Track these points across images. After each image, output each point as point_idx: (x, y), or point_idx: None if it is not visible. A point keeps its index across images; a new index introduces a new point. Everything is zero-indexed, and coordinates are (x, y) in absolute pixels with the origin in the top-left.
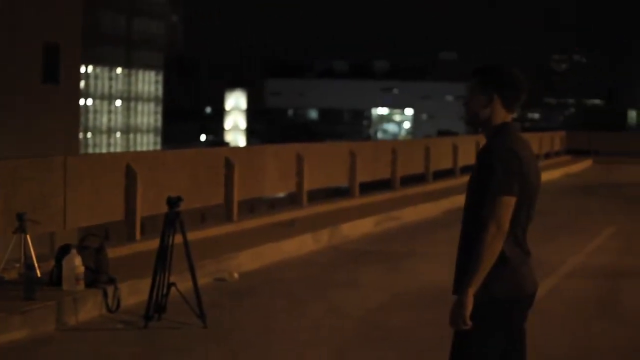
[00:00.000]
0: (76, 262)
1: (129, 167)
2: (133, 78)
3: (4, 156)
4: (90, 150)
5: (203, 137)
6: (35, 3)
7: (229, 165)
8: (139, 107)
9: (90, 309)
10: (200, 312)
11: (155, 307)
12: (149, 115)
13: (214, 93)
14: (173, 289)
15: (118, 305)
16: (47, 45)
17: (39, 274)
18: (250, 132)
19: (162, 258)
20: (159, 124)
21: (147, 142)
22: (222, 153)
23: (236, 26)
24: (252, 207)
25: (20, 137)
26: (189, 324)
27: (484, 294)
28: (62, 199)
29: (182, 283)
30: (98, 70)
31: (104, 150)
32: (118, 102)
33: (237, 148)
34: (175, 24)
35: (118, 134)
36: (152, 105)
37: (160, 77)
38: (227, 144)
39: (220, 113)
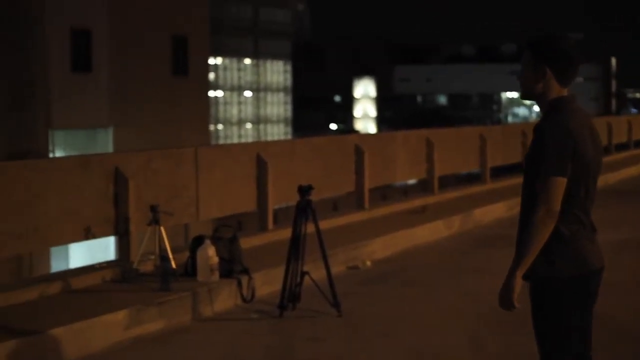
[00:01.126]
0: (210, 253)
1: (259, 157)
2: (261, 68)
3: (135, 148)
4: (221, 142)
5: (333, 126)
6: None
7: (359, 153)
8: (269, 98)
9: (225, 299)
10: (334, 300)
11: (290, 297)
12: (278, 106)
13: (342, 81)
14: (306, 277)
15: (252, 295)
16: (176, 37)
17: (174, 266)
18: (379, 119)
19: (295, 247)
20: (289, 113)
21: (278, 133)
22: (352, 141)
23: (363, 13)
24: (383, 194)
25: (151, 128)
26: (323, 313)
27: (548, 275)
28: (194, 190)
29: (316, 272)
30: (227, 61)
31: (235, 142)
32: (247, 93)
33: (367, 135)
34: (301, 13)
35: (248, 125)
36: (281, 95)
37: (288, 67)
38: (357, 132)
39: (349, 101)
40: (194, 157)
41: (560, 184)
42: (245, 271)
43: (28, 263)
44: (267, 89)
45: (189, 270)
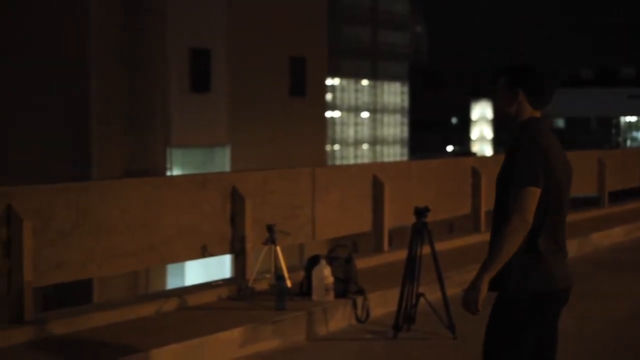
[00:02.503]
0: (326, 273)
1: (375, 178)
2: (378, 89)
3: (252, 167)
4: (337, 162)
5: (449, 148)
6: (281, 18)
7: (476, 175)
8: (385, 119)
9: (340, 319)
10: (449, 322)
11: (404, 318)
12: (395, 127)
13: (459, 103)
14: (422, 299)
15: (367, 316)
16: (294, 58)
17: (289, 285)
18: (496, 141)
19: (411, 269)
20: (405, 135)
21: (394, 154)
22: (469, 163)
23: (480, 35)
24: None
25: (268, 148)
26: (438, 335)
27: (515, 288)
28: (310, 210)
29: (431, 294)
30: (344, 82)
31: (351, 162)
32: (364, 114)
33: (484, 157)
34: (419, 34)
35: (365, 146)
36: (398, 116)
37: (405, 89)
38: (473, 154)
39: (466, 123)
40: (311, 177)
41: (534, 193)
42: (360, 291)
43: (144, 279)
44: (384, 110)
45: (304, 289)
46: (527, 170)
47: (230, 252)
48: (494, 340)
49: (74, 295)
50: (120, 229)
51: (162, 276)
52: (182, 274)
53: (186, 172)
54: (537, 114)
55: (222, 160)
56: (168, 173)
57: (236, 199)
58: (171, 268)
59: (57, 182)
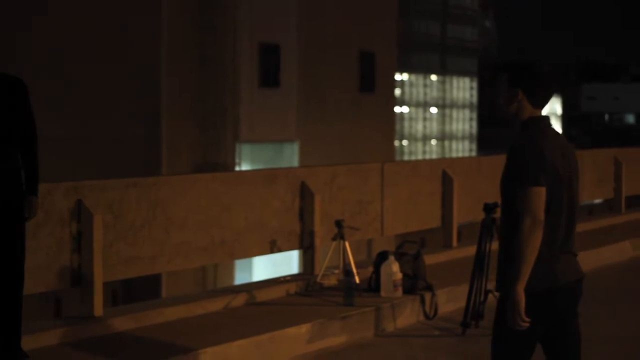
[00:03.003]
0: (394, 269)
1: (445, 174)
2: (447, 85)
3: (321, 163)
4: (405, 158)
5: None
6: (351, 13)
7: None
8: (454, 114)
9: (408, 315)
10: None
11: (473, 315)
12: (463, 122)
13: None
14: (490, 295)
15: (435, 312)
16: (364, 53)
17: (357, 281)
18: (567, 137)
19: (480, 265)
20: (474, 130)
21: (462, 149)
22: None
23: (550, 30)
24: None
25: (336, 143)
26: None
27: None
28: (379, 206)
29: None
30: (413, 77)
31: (420, 158)
32: (433, 110)
33: None
34: (489, 29)
35: (433, 142)
36: (466, 111)
37: (474, 84)
38: None
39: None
40: (379, 173)
41: (540, 193)
42: (429, 288)
43: (212, 274)
44: (453, 105)
45: (373, 285)
46: (530, 171)
47: (298, 248)
48: (497, 340)
49: (143, 290)
50: (191, 224)
51: (230, 272)
52: (249, 269)
53: (255, 167)
54: (538, 113)
55: (290, 156)
56: (237, 168)
57: (305, 195)
58: (239, 263)
59: (128, 177)
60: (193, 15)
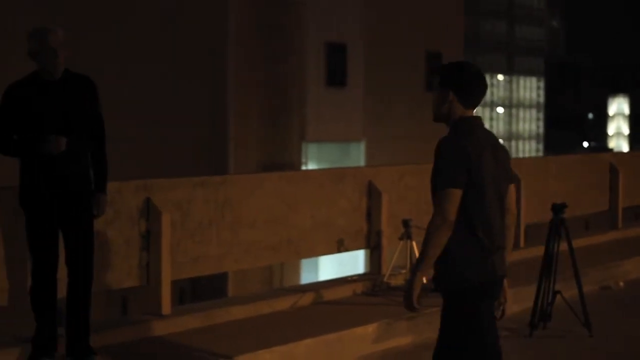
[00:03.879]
0: None
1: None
2: (514, 84)
3: (386, 162)
4: None
5: (585, 144)
6: (418, 12)
7: (613, 171)
8: (521, 114)
9: None
10: (586, 320)
11: (541, 315)
12: (530, 122)
13: (596, 99)
14: (558, 296)
15: (503, 313)
16: (430, 53)
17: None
18: (632, 137)
19: (547, 265)
20: (541, 130)
21: (529, 149)
22: (607, 159)
23: (619, 30)
24: (637, 214)
25: (403, 143)
26: (574, 333)
27: (439, 284)
28: None
29: (567, 291)
30: None
31: None
32: (500, 109)
33: (622, 153)
34: (556, 29)
35: (500, 141)
36: (533, 111)
37: (541, 84)
38: (610, 150)
39: (602, 119)
40: None
41: (454, 194)
42: None
43: (279, 273)
44: (520, 105)
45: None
46: (446, 172)
47: (365, 247)
48: (446, 330)
49: (209, 288)
50: (258, 223)
51: (297, 271)
52: (316, 269)
53: (321, 166)
54: (469, 113)
55: (357, 155)
56: (303, 167)
57: (373, 194)
58: (305, 263)
59: (195, 175)
60: (260, 13)
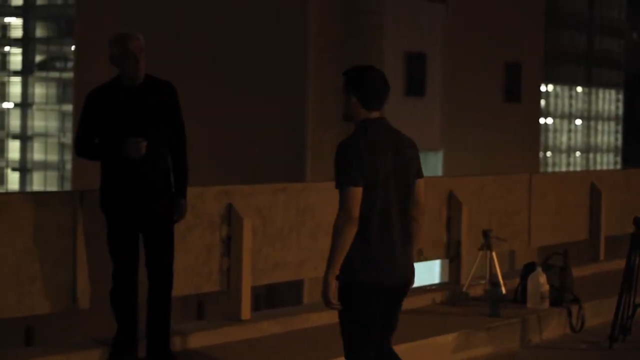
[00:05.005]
0: (541, 280)
1: (593, 186)
2: (593, 97)
3: (464, 172)
4: (549, 170)
5: None
6: (498, 23)
7: None
8: (599, 127)
9: (554, 327)
10: None
11: (620, 328)
12: (608, 135)
13: None
14: (639, 310)
15: (582, 325)
16: (509, 63)
17: (504, 291)
18: None
19: (628, 279)
20: (619, 143)
21: (607, 162)
22: None
23: None
24: None
25: (483, 153)
26: None
27: (343, 279)
28: (526, 217)
29: None
30: (558, 89)
31: (563, 170)
32: (578, 121)
33: None
34: (636, 42)
35: (577, 154)
36: (612, 124)
37: (620, 96)
38: None
39: None
40: (527, 184)
41: (354, 192)
42: (576, 300)
43: None
44: (598, 117)
45: (519, 296)
46: (345, 171)
47: (445, 257)
48: (344, 325)
49: (285, 295)
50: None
51: None
52: None
53: None
54: (373, 114)
55: (435, 165)
56: None
57: (453, 204)
58: None
59: (272, 181)
60: (339, 21)
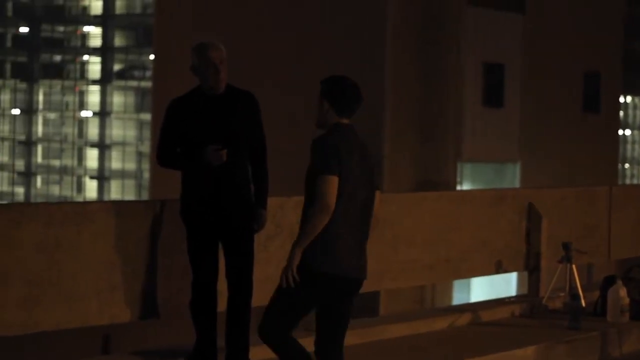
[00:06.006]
0: (621, 294)
1: None
2: None
3: (541, 184)
4: (627, 182)
5: None
6: (576, 32)
7: None
8: None
9: (635, 341)
10: None
11: None
12: None
13: None
14: None
15: None
16: (588, 73)
17: (583, 304)
18: None
19: None
20: None
21: None
22: None
23: None
24: None
25: (561, 164)
26: None
27: (305, 264)
28: (606, 229)
29: None
30: (637, 100)
31: None
32: None
33: None
34: None
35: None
36: None
37: None
38: None
39: None
40: (607, 196)
41: (332, 181)
42: None
43: (430, 293)
44: None
45: (598, 310)
46: (321, 162)
47: (524, 269)
48: (277, 299)
49: (360, 306)
50: (417, 242)
51: (449, 291)
52: (467, 289)
53: (476, 187)
54: (344, 121)
55: (512, 176)
56: (458, 187)
57: (532, 216)
58: (457, 283)
59: None
60: (417, 30)
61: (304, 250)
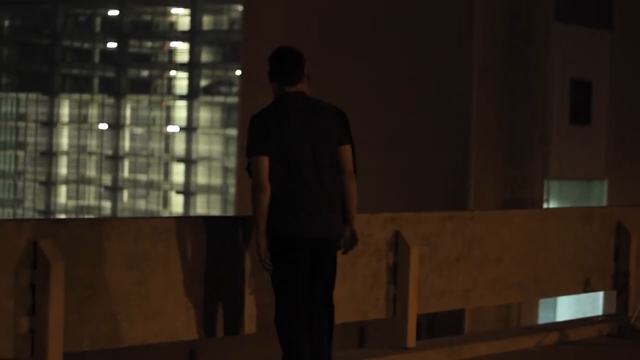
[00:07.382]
0: None
1: None
2: None
3: (633, 202)
4: None
5: None
6: None
7: None
8: None
9: None
10: None
11: None
12: None
13: None
14: None
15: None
16: None
17: None
18: None
19: None
20: None
21: None
22: None
23: None
24: None
25: None
26: None
27: (269, 235)
28: None
29: None
30: None
31: None
32: None
33: None
34: None
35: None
36: None
37: None
38: None
39: None
40: None
41: (260, 161)
42: None
43: (516, 311)
44: None
45: None
46: (250, 143)
47: (612, 288)
48: (273, 276)
49: (446, 323)
50: (505, 260)
51: (534, 309)
52: (553, 307)
53: (562, 204)
54: (288, 90)
55: (599, 194)
56: (544, 205)
57: (621, 234)
58: (543, 301)
59: (440, 210)
60: (504, 47)
61: (267, 227)
